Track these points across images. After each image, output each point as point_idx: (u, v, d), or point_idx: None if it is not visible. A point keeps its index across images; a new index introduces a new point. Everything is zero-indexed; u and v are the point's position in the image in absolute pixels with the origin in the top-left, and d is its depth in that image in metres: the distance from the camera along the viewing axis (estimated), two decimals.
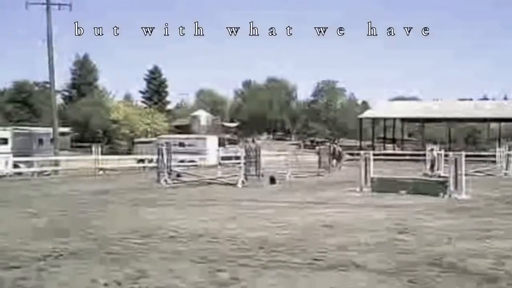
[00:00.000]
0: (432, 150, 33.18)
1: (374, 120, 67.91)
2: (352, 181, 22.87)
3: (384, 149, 64.66)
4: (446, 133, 70.62)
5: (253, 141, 43.65)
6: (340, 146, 46.68)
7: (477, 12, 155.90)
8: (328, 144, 41.95)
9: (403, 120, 70.48)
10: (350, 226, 12.71)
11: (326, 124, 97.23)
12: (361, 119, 67.04)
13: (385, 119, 69.34)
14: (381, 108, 68.87)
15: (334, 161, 36.04)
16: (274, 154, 45.20)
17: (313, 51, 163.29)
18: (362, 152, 24.52)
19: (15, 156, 31.89)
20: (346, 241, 10.72)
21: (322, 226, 12.66)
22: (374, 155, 24.75)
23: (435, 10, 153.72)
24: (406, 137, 78.99)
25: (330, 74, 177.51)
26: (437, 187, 19.96)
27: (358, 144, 62.12)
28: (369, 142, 64.03)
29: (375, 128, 68.66)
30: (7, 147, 31.67)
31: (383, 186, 20.91)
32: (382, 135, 71.80)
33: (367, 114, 69.20)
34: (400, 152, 59.66)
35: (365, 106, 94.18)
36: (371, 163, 22.25)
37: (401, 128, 75.66)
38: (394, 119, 69.27)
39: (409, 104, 73.32)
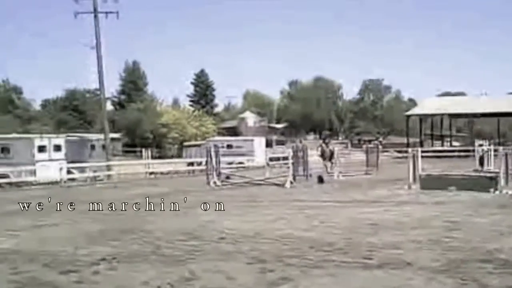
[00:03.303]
0: (481, 145, 32.59)
1: (422, 117, 67.01)
2: (401, 179, 22.67)
3: (432, 145, 63.74)
4: (495, 128, 69.15)
5: (300, 141, 43.42)
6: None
7: None
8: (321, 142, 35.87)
9: (451, 116, 69.26)
10: (399, 224, 12.67)
11: (373, 122, 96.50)
12: (408, 116, 66.21)
13: (432, 116, 68.29)
14: (428, 104, 67.72)
15: (328, 163, 31.66)
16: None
17: (358, 50, 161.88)
18: (410, 149, 24.29)
19: (68, 162, 32.54)
20: (396, 239, 10.69)
21: (371, 224, 12.65)
22: (422, 152, 24.50)
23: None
24: (454, 133, 77.70)
25: (376, 72, 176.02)
26: (487, 183, 19.65)
27: (405, 141, 61.32)
28: (417, 139, 63.14)
29: (423, 125, 67.73)
30: (61, 154, 32.29)
31: (432, 183, 20.68)
32: (429, 132, 70.72)
33: (414, 111, 68.24)
34: (449, 148, 58.72)
35: (412, 103, 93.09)
36: (419, 160, 22.05)
37: (449, 124, 74.47)
38: (442, 115, 68.13)
39: (456, 99, 71.99)
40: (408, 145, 51.23)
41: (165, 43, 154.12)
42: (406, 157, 23.44)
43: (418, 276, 7.92)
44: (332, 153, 31.75)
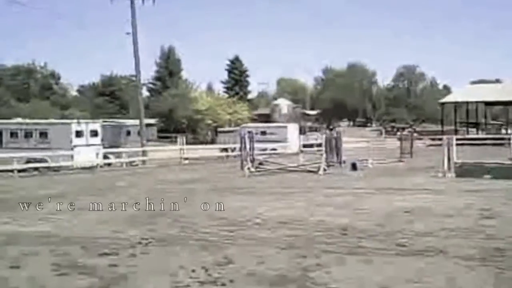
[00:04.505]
0: None
1: (456, 104, 66.15)
2: (435, 166, 22.53)
3: (467, 133, 62.90)
4: None
5: (333, 128, 43.19)
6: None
7: None
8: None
9: (486, 103, 68.22)
10: (433, 211, 12.64)
11: (407, 109, 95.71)
12: (442, 103, 65.45)
13: (467, 103, 67.35)
14: (463, 92, 66.75)
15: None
16: (355, 141, 44.91)
17: (392, 36, 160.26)
18: (444, 137, 24.11)
19: (104, 147, 32.95)
20: (430, 226, 10.69)
21: (406, 212, 12.63)
22: (457, 139, 24.31)
23: None
24: (489, 120, 76.55)
25: (410, 59, 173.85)
26: None
27: (440, 128, 60.64)
28: (452, 127, 62.37)
29: (457, 113, 66.84)
30: (97, 139, 32.67)
31: (467, 171, 20.51)
32: (464, 120, 69.78)
33: (449, 98, 67.33)
34: (484, 136, 57.86)
35: (446, 90, 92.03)
36: (454, 148, 21.90)
37: (484, 112, 73.39)
38: (477, 102, 67.11)
39: (491, 87, 70.69)
40: (442, 132, 50.63)
41: (200, 29, 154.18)
42: (440, 145, 23.25)
43: (453, 264, 7.92)
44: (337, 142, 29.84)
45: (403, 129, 63.49)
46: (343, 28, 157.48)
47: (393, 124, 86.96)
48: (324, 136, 28.49)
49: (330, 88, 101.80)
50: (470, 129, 66.18)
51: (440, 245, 9.04)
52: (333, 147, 26.80)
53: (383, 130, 79.50)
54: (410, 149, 32.71)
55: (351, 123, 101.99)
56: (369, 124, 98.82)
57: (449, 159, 21.44)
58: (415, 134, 40.56)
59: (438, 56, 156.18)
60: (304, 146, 42.44)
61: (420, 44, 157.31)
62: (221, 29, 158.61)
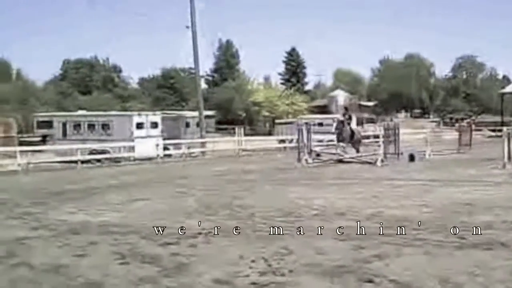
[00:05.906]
0: None
1: None
2: (495, 158, 22.15)
3: None
4: None
5: (391, 119, 42.64)
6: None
7: None
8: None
9: None
10: (493, 204, 12.45)
11: (466, 100, 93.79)
12: (502, 94, 64.02)
13: None
14: None
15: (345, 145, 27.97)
16: (413, 132, 44.37)
17: (451, 26, 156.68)
18: (504, 128, 23.66)
19: (164, 139, 33.53)
20: (489, 219, 10.57)
21: (464, 204, 12.48)
22: None
23: None
24: None
25: (469, 49, 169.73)
26: None
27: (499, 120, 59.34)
28: None
29: None
30: (158, 131, 33.28)
31: None
32: None
33: (509, 88, 65.92)
34: None
35: (506, 80, 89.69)
36: None
37: None
38: None
39: None
40: (502, 123, 49.58)
41: (257, 21, 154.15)
42: (500, 136, 22.84)
43: None
44: (353, 134, 28.00)
45: (462, 120, 62.45)
46: (402, 19, 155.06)
47: (451, 115, 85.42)
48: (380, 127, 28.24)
49: (387, 79, 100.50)
50: None
51: (501, 238, 8.95)
52: (391, 138, 26.55)
53: (441, 121, 78.24)
54: (469, 141, 32.18)
55: (408, 114, 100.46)
56: (426, 115, 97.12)
57: (509, 151, 21.06)
58: (473, 125, 39.82)
59: (496, 47, 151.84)
60: (361, 137, 42.11)
61: (478, 34, 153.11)
62: (279, 21, 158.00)
